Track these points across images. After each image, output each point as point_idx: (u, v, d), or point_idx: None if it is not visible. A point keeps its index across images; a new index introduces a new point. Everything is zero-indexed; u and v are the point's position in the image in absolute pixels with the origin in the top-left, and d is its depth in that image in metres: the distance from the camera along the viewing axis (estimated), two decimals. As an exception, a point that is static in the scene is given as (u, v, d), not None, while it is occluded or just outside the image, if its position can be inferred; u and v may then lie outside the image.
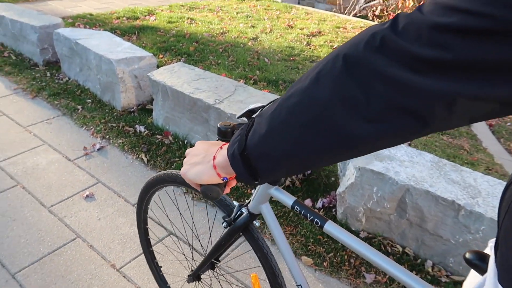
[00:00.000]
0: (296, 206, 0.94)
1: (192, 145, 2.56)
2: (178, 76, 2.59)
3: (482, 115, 0.39)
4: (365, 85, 0.41)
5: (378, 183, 1.80)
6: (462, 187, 1.72)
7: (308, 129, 0.46)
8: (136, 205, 1.36)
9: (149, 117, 2.86)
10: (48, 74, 3.47)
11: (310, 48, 4.65)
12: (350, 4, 6.94)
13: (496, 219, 0.54)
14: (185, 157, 0.71)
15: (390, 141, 0.43)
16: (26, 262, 1.76)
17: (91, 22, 4.91)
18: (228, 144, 0.59)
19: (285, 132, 0.49)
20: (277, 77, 3.68)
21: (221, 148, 0.63)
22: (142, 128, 2.72)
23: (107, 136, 2.68)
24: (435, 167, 1.85)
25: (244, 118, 0.86)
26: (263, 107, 0.80)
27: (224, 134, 0.80)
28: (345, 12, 6.93)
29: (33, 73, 3.49)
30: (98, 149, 2.55)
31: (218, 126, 0.80)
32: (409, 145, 2.80)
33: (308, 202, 2.13)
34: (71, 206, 2.09)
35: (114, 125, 2.78)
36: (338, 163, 2.13)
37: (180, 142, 2.59)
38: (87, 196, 2.16)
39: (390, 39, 0.39)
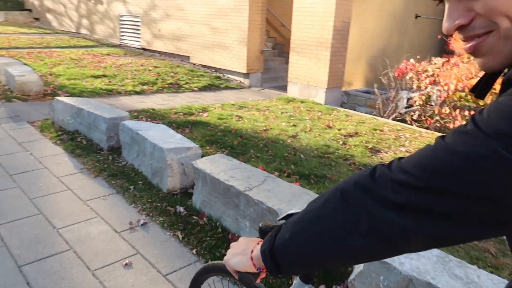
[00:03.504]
0: None
1: (223, 227, 2.84)
2: (217, 166, 2.98)
3: (428, 244, 0.56)
4: (354, 213, 0.59)
5: (384, 272, 1.94)
6: (464, 282, 1.82)
7: (317, 239, 0.64)
8: None
9: (189, 199, 3.22)
10: (110, 157, 4.04)
11: (345, 147, 4.98)
12: (390, 108, 7.37)
13: None
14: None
15: (372, 253, 0.61)
16: (67, 316, 2.02)
17: (153, 115, 5.65)
18: (263, 241, 0.76)
19: (301, 239, 0.67)
20: (310, 172, 3.98)
21: (258, 244, 0.81)
22: (181, 209, 3.06)
23: (151, 214, 3.04)
24: (440, 261, 1.97)
25: (284, 221, 0.98)
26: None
27: (264, 233, 0.89)
28: (385, 115, 7.34)
29: (98, 156, 4.07)
30: (142, 225, 2.90)
31: (260, 226, 0.91)
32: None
33: (322, 287, 2.27)
34: (111, 272, 2.38)
35: (159, 204, 3.16)
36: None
37: (213, 224, 2.88)
38: (126, 264, 2.45)
39: (369, 183, 0.59)
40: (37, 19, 17.98)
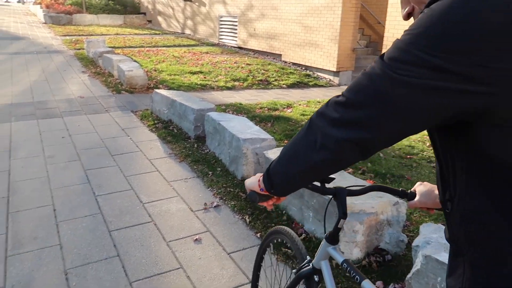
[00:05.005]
0: (344, 264, 1.21)
1: (288, 216, 2.94)
2: (287, 156, 3.08)
3: (357, 151, 0.73)
4: (313, 134, 0.78)
5: (442, 274, 1.86)
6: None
7: (291, 158, 0.85)
8: (258, 247, 1.83)
9: (261, 188, 3.37)
10: (195, 145, 4.39)
11: (431, 149, 4.69)
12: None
13: None
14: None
15: (326, 165, 0.79)
16: (141, 276, 2.31)
17: (239, 109, 5.96)
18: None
19: (283, 159, 0.89)
20: (387, 171, 3.86)
21: None
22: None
23: (224, 198, 3.27)
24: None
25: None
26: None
27: None
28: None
29: (185, 143, 4.46)
30: (215, 206, 3.13)
31: None
32: None
33: (379, 284, 2.23)
34: (183, 244, 2.64)
35: (232, 190, 3.37)
36: (413, 253, 2.21)
37: (279, 211, 2.99)
38: (196, 239, 2.69)
39: (324, 109, 0.77)
40: (149, 21, 19.90)
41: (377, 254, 2.46)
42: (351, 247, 2.39)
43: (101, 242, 2.63)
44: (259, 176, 1.05)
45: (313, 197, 2.64)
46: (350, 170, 3.80)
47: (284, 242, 1.64)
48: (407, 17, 0.83)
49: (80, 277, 2.29)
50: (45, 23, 18.63)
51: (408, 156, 4.39)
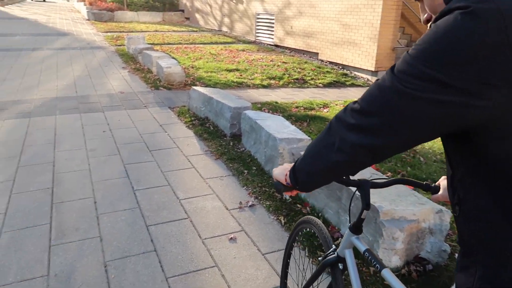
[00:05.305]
0: (366, 253, 1.23)
1: (324, 219, 2.89)
2: (324, 158, 3.03)
3: (369, 156, 0.79)
4: (332, 136, 0.85)
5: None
6: None
7: (314, 156, 0.92)
8: (288, 237, 1.89)
9: (296, 189, 3.34)
10: (231, 143, 4.41)
11: (476, 155, 4.48)
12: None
13: None
14: None
15: (341, 166, 0.85)
16: (177, 272, 2.34)
17: (274, 108, 5.93)
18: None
19: (307, 157, 0.96)
20: (427, 176, 3.73)
21: None
22: (287, 196, 3.20)
23: (259, 197, 3.26)
24: None
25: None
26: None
27: None
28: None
29: (221, 141, 4.48)
30: (250, 206, 3.13)
31: None
32: None
33: (419, 294, 2.15)
34: (218, 243, 2.65)
35: (267, 190, 3.36)
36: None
37: (315, 214, 2.95)
38: (231, 238, 2.70)
39: (341, 114, 0.84)
40: (187, 18, 20.20)
41: (417, 263, 2.37)
42: (390, 255, 2.32)
43: (139, 236, 2.69)
44: (286, 169, 1.10)
45: (352, 201, 2.58)
46: (389, 173, 3.69)
47: (312, 231, 1.70)
48: (426, 22, 0.88)
49: (119, 269, 2.35)
50: (88, 19, 19.31)
51: (450, 161, 4.21)
